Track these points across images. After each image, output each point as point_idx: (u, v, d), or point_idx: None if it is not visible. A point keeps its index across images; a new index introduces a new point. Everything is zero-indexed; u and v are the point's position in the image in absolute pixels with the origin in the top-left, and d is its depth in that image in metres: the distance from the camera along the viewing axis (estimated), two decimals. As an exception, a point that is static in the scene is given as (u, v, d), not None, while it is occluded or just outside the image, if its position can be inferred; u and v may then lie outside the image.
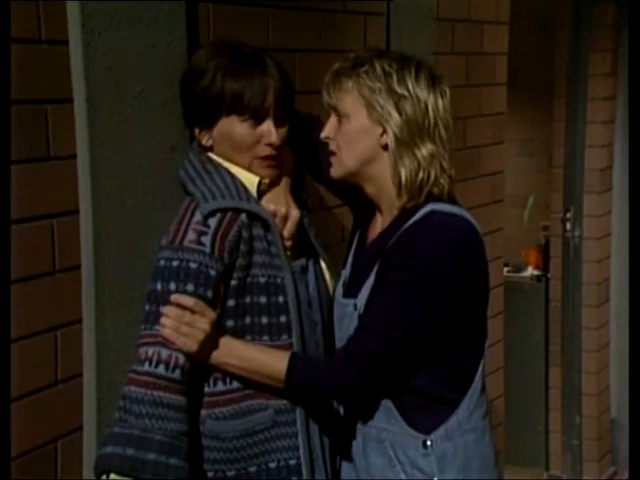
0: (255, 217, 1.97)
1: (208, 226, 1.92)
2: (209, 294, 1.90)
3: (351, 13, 2.80)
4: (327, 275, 2.15)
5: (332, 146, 2.03)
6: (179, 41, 2.14)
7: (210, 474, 2.00)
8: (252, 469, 2.00)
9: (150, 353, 1.87)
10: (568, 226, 4.74)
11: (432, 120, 1.97)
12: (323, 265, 2.15)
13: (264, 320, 1.98)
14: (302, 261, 2.08)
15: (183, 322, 1.87)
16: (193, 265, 1.89)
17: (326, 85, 2.02)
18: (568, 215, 4.73)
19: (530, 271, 5.08)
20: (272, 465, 2.00)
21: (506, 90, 3.69)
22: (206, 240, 1.91)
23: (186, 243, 1.91)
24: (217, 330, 1.93)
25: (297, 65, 2.53)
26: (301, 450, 2.01)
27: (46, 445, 1.95)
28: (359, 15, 2.83)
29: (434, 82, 1.99)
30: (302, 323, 2.02)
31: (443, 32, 3.23)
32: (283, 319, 1.99)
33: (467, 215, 2.00)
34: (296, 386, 1.95)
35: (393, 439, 2.00)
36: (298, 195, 2.14)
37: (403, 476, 2.00)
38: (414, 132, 1.96)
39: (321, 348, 2.09)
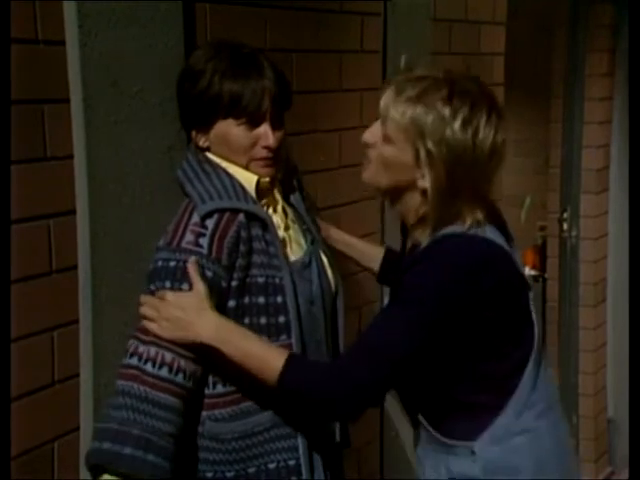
0: (253, 217, 1.97)
1: (206, 227, 1.92)
2: None
3: (348, 13, 2.80)
4: (329, 271, 2.15)
5: (370, 152, 1.94)
6: (176, 41, 2.14)
7: (209, 475, 2.00)
8: (251, 470, 2.00)
9: (140, 349, 1.87)
10: (565, 226, 4.74)
11: (482, 177, 1.86)
12: (325, 261, 2.15)
13: (263, 320, 1.98)
14: (304, 258, 2.08)
15: (155, 307, 1.87)
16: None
17: (385, 95, 1.89)
18: (565, 215, 4.73)
19: (527, 271, 5.08)
20: (271, 466, 2.00)
21: (503, 90, 3.70)
22: (204, 242, 1.91)
23: (184, 244, 1.91)
24: (216, 318, 1.88)
25: (294, 65, 2.54)
26: (300, 450, 2.01)
27: (43, 445, 1.95)
28: (356, 15, 2.84)
29: (497, 131, 1.85)
30: (301, 323, 2.01)
31: (440, 32, 3.23)
32: (282, 319, 1.99)
33: (486, 233, 1.89)
34: (287, 387, 1.88)
35: (443, 449, 1.97)
36: (300, 194, 2.16)
37: None
38: (458, 188, 1.84)
39: (323, 347, 2.08)
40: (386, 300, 2.52)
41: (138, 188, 2.07)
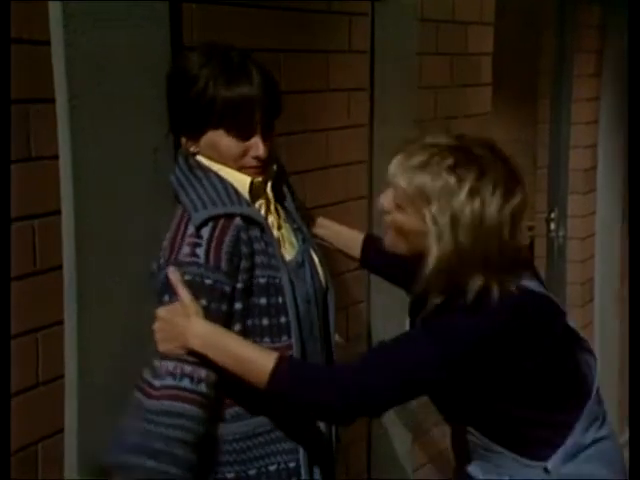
0: (249, 219, 1.97)
1: (201, 237, 1.91)
2: (203, 302, 1.88)
3: (336, 13, 2.80)
4: (320, 269, 2.15)
5: (387, 219, 1.93)
6: (162, 41, 2.13)
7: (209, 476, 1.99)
8: (252, 472, 1.99)
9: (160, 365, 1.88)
10: (552, 226, 4.76)
11: (495, 246, 1.81)
12: (316, 259, 2.15)
13: (265, 322, 1.98)
14: (297, 257, 2.08)
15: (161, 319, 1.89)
16: (187, 277, 1.88)
17: (394, 161, 1.88)
18: (552, 215, 4.75)
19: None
20: (272, 468, 2.00)
21: (491, 91, 3.70)
22: (200, 251, 1.90)
23: (181, 257, 1.90)
24: (202, 324, 1.87)
25: (282, 65, 2.53)
26: (301, 452, 2.01)
27: (27, 447, 1.94)
28: (344, 15, 2.84)
29: (509, 199, 1.81)
30: (300, 323, 2.01)
31: (427, 32, 3.24)
32: (283, 320, 1.99)
33: (521, 284, 1.89)
34: (277, 386, 1.86)
35: (512, 469, 1.96)
36: (290, 194, 2.16)
37: None
38: (468, 260, 1.81)
39: (318, 345, 2.09)
40: (374, 298, 2.50)
41: (124, 189, 2.06)
